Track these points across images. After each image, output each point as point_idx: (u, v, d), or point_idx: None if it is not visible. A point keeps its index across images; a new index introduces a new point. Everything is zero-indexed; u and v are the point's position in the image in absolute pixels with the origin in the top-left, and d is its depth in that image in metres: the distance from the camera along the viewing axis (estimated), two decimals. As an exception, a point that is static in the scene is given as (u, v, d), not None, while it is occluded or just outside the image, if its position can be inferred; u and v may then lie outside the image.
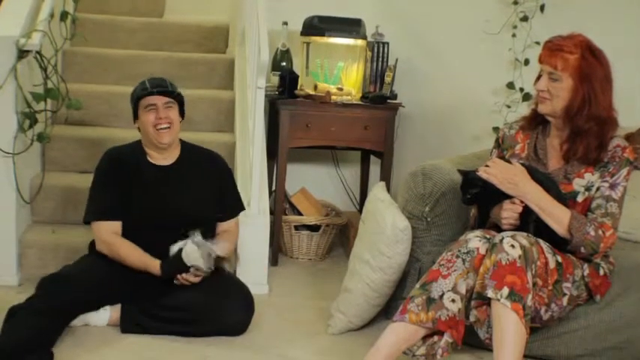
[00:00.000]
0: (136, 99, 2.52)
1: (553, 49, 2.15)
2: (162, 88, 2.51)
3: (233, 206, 2.70)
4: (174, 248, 2.41)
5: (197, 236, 2.41)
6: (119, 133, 3.30)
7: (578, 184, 2.21)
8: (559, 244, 2.15)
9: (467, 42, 3.62)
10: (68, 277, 2.36)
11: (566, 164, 2.24)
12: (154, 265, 2.41)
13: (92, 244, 2.58)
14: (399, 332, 2.05)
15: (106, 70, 3.65)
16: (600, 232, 2.13)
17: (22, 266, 2.84)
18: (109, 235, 2.47)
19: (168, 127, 2.50)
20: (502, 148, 2.39)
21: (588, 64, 2.12)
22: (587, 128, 2.15)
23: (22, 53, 2.74)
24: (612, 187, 2.17)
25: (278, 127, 3.31)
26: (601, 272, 2.25)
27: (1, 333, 2.19)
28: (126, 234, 2.48)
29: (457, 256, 2.09)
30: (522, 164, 2.21)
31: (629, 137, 2.85)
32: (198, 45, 3.99)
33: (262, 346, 2.41)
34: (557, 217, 2.13)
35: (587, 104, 2.13)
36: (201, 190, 2.59)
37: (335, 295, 2.64)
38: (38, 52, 2.84)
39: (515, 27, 3.47)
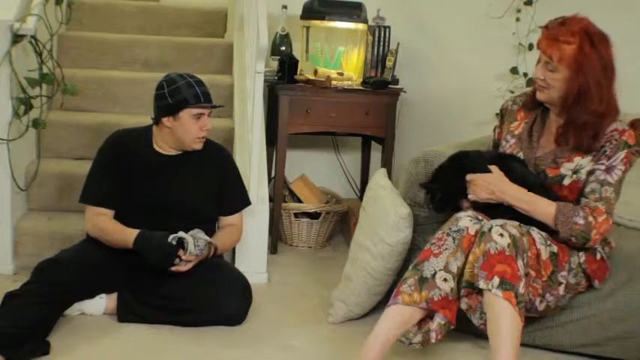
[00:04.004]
0: (184, 103, 2.44)
1: (550, 38, 2.09)
2: (212, 101, 2.52)
3: (236, 201, 2.66)
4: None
5: (181, 233, 2.40)
6: (115, 118, 3.28)
7: (566, 167, 2.17)
8: (545, 229, 2.12)
9: (469, 26, 3.59)
10: (63, 261, 2.34)
11: (557, 148, 2.20)
12: (130, 234, 2.38)
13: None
14: (394, 317, 2.04)
15: (103, 55, 3.61)
16: (591, 218, 2.07)
17: (17, 254, 2.81)
18: (95, 217, 2.47)
19: (205, 137, 2.53)
20: (504, 120, 2.38)
21: (584, 56, 2.06)
22: (582, 121, 2.11)
23: (16, 38, 2.71)
24: (608, 170, 2.12)
25: (277, 113, 3.28)
26: (598, 257, 2.22)
27: None
28: (125, 223, 2.45)
29: (448, 234, 2.08)
30: (498, 154, 2.23)
31: (634, 123, 2.81)
32: (196, 29, 3.95)
33: (262, 335, 2.39)
34: (541, 212, 2.10)
35: (583, 97, 2.08)
36: (204, 182, 2.57)
37: (335, 284, 2.62)
38: (33, 37, 2.80)
39: (519, 11, 3.43)
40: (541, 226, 2.12)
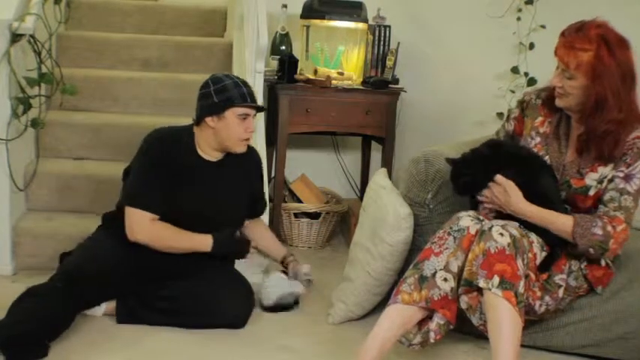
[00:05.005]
0: (230, 102, 2.37)
1: (566, 45, 2.04)
2: (259, 105, 2.46)
3: (262, 203, 2.69)
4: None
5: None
6: (115, 118, 3.27)
7: (590, 178, 2.13)
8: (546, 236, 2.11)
9: (470, 25, 3.58)
10: (88, 275, 2.27)
11: (580, 157, 2.16)
12: (204, 239, 2.37)
13: (108, 218, 2.50)
14: (394, 317, 2.03)
15: (102, 54, 3.59)
16: (610, 227, 2.05)
17: (16, 255, 2.80)
18: (150, 223, 2.36)
19: (249, 139, 2.47)
20: (525, 114, 2.31)
21: (602, 64, 2.01)
22: (602, 131, 2.06)
23: (15, 37, 2.69)
24: (627, 178, 2.08)
25: (277, 113, 3.26)
26: (602, 263, 2.20)
27: (12, 315, 2.11)
28: None
29: (449, 234, 2.07)
30: (530, 156, 2.16)
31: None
32: (196, 28, 3.93)
33: (262, 336, 2.38)
34: (557, 228, 2.09)
35: (601, 106, 2.04)
36: (242, 188, 2.55)
37: (335, 284, 2.61)
38: (32, 36, 2.79)
39: (519, 10, 3.42)
40: (541, 232, 2.11)
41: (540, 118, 2.27)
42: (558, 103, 2.16)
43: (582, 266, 2.17)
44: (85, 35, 3.63)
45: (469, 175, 2.17)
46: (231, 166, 2.50)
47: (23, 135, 2.81)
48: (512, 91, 3.44)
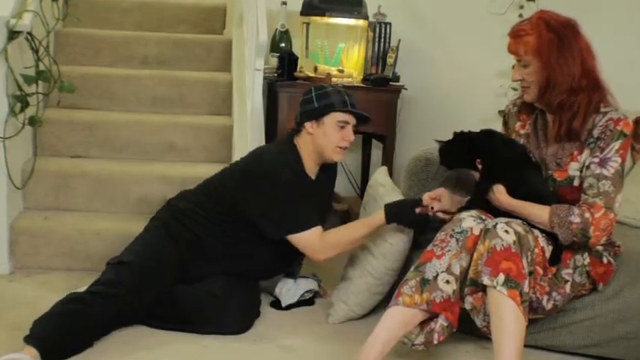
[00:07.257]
0: (330, 107, 2.36)
1: (513, 36, 2.12)
2: (361, 111, 2.42)
3: None
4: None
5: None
6: (113, 116, 3.26)
7: (572, 168, 2.12)
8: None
9: (471, 22, 3.56)
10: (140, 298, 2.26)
11: (559, 148, 2.15)
12: (378, 218, 2.30)
13: (171, 223, 2.44)
14: (395, 317, 2.02)
15: (100, 52, 3.58)
16: (588, 214, 2.01)
17: (13, 254, 2.78)
18: (322, 238, 2.34)
19: (346, 148, 2.43)
20: (508, 125, 2.33)
21: (543, 41, 2.05)
22: (557, 103, 2.08)
23: (12, 34, 2.68)
24: (602, 163, 2.05)
25: (277, 111, 3.25)
26: (604, 260, 2.18)
27: (58, 318, 2.10)
28: (264, 244, 2.40)
29: (451, 236, 2.06)
30: (520, 157, 2.16)
31: (639, 121, 2.77)
32: (195, 26, 3.92)
33: (262, 335, 2.37)
34: (535, 219, 2.06)
35: (553, 80, 2.06)
36: (329, 199, 2.64)
37: (336, 284, 2.60)
38: (29, 33, 2.77)
39: (521, 7, 3.41)
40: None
41: (519, 123, 2.28)
42: (526, 98, 2.17)
43: (586, 262, 2.15)
44: (83, 32, 3.62)
45: (451, 146, 2.21)
46: (322, 183, 2.53)
47: (21, 133, 2.80)
48: (515, 89, 3.42)
